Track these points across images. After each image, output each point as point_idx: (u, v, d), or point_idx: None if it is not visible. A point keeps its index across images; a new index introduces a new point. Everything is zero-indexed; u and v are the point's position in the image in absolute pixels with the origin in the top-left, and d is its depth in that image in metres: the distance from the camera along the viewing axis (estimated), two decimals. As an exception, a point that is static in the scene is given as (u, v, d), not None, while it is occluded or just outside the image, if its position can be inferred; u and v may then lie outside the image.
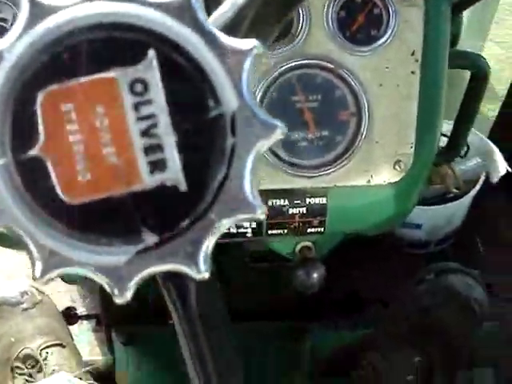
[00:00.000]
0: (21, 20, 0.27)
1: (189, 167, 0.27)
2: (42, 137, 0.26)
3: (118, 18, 0.26)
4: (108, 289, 0.27)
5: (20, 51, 0.27)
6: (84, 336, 1.29)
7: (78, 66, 0.26)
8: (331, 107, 0.68)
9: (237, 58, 0.27)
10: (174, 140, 0.26)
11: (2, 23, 0.66)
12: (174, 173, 0.27)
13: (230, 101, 0.27)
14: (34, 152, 0.26)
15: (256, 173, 0.27)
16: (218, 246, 0.28)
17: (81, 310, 1.32)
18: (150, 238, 0.27)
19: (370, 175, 0.70)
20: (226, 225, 0.27)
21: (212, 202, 0.27)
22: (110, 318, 1.20)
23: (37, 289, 1.21)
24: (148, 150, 0.27)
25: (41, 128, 0.26)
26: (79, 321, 1.31)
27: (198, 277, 0.27)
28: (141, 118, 0.26)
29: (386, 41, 0.67)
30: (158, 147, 0.26)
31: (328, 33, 0.66)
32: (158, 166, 0.27)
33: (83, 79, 0.26)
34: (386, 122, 0.68)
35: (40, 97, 0.26)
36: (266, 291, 1.18)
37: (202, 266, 0.27)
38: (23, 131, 0.26)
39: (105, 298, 1.13)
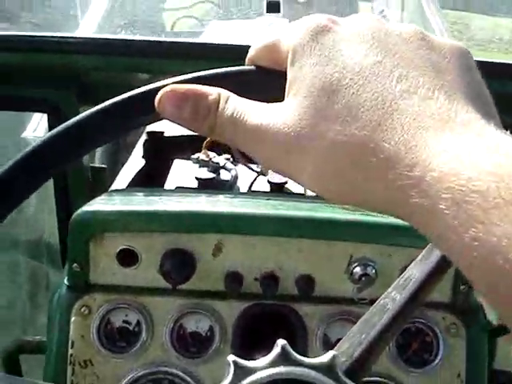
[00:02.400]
0: (228, 378, 0.43)
1: None
2: None
3: (292, 376, 0.43)
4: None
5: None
6: None
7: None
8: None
9: None
10: None
11: (126, 325, 0.84)
12: None
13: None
14: None
15: None
16: None
17: None
18: None
19: None
20: None
21: None
22: None
23: None
24: None
25: None
26: None
27: None
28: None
29: (436, 364, 0.82)
30: None
31: (389, 355, 0.81)
32: None
33: None
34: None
35: None
36: None
37: None
38: None
39: None
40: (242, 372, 0.44)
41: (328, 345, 0.82)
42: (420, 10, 4.97)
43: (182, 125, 0.40)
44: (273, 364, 0.44)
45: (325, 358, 0.45)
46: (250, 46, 0.43)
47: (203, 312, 0.82)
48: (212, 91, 0.39)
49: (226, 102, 0.39)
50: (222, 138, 0.40)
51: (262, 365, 0.44)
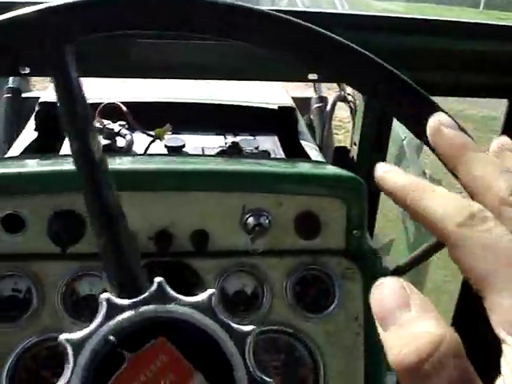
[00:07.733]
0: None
1: None
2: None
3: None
4: None
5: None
6: None
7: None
8: (292, 365, 0.82)
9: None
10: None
11: (16, 293, 0.80)
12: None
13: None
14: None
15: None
16: None
17: None
18: None
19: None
20: None
21: None
22: None
23: None
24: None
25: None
26: None
27: None
28: None
29: (333, 309, 0.83)
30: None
31: (287, 303, 0.82)
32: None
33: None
34: (339, 377, 0.82)
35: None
36: None
37: None
38: None
39: None
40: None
41: (226, 297, 0.81)
42: None
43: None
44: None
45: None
46: None
47: (96, 274, 0.80)
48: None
49: None
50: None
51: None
